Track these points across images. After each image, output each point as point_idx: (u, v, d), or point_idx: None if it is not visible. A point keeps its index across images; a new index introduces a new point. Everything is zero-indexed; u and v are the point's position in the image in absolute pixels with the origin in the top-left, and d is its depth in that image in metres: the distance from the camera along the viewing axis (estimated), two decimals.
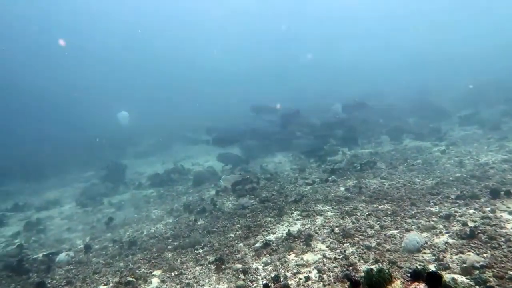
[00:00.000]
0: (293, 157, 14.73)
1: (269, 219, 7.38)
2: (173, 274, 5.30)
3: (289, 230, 6.34)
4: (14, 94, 42.79)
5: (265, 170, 13.09)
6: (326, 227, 6.30)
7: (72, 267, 6.19)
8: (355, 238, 5.57)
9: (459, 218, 5.73)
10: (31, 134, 27.11)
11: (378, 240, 5.33)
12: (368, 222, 6.19)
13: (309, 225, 6.60)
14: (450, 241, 4.95)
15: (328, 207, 7.52)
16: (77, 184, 15.95)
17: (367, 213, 6.70)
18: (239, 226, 7.22)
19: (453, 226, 5.48)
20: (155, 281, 5.17)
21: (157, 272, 5.46)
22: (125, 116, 17.12)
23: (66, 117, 36.94)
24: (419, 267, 4.26)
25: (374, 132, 16.34)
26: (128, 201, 11.25)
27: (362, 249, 5.11)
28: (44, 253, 7.12)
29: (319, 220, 6.80)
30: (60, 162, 19.37)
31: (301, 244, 5.69)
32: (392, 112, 19.87)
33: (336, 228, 6.13)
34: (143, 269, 5.63)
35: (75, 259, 6.61)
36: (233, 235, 6.70)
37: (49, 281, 5.62)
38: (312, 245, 5.55)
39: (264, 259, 5.36)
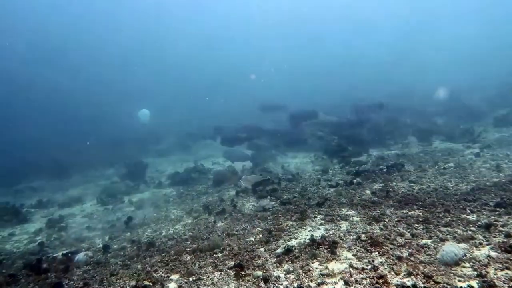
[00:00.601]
0: (315, 158, 14.32)
1: (291, 222, 7.07)
2: (191, 279, 5.08)
3: (312, 235, 6.02)
4: (40, 93, 44.13)
5: (286, 170, 12.76)
6: (352, 234, 5.92)
7: (90, 268, 6.11)
8: (384, 247, 5.17)
9: (501, 229, 5.23)
10: (57, 132, 27.84)
11: (410, 250, 4.92)
12: (398, 229, 5.77)
13: (333, 230, 6.24)
14: (493, 254, 4.48)
15: (353, 212, 7.13)
16: (100, 181, 16.15)
17: (396, 220, 6.27)
18: (260, 229, 6.95)
19: (494, 237, 4.99)
20: (172, 286, 4.97)
21: (175, 277, 5.26)
22: (146, 114, 17.16)
23: (91, 115, 37.76)
24: (459, 283, 3.85)
25: (401, 133, 15.66)
26: (148, 200, 11.21)
27: (393, 260, 4.71)
28: (64, 251, 7.10)
29: (344, 225, 6.43)
30: (85, 159, 19.73)
31: (325, 251, 5.35)
32: (419, 112, 19.08)
33: (363, 235, 5.75)
34: (161, 273, 5.45)
35: (93, 259, 6.53)
36: (253, 239, 6.43)
37: (66, 281, 5.54)
38: (338, 253, 5.20)
39: (286, 266, 5.06)
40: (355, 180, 9.66)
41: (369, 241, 5.46)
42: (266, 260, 5.36)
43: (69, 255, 6.50)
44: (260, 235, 6.58)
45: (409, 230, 5.71)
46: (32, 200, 12.88)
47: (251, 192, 10.28)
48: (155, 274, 5.40)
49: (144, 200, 11.14)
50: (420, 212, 6.52)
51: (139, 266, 5.85)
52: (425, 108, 19.91)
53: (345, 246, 5.45)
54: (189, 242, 6.82)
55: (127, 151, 18.16)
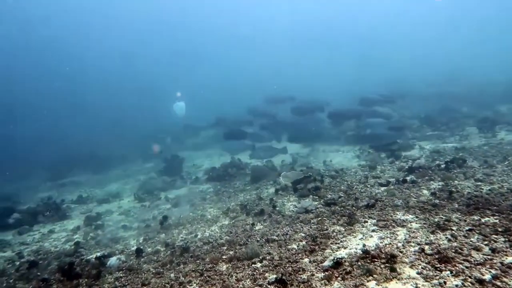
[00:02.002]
0: (360, 152, 13.27)
1: (338, 227, 6.29)
2: None
3: (364, 245, 5.22)
4: (83, 87, 45.95)
5: (329, 166, 11.88)
6: (413, 244, 5.04)
7: (121, 274, 5.76)
8: (457, 264, 4.26)
9: None
10: (100, 126, 28.68)
11: (493, 271, 3.98)
12: (471, 241, 4.80)
13: (389, 239, 5.38)
14: None
15: (410, 216, 6.19)
16: (139, 175, 16.23)
17: (466, 228, 5.28)
18: (303, 235, 6.23)
19: None
20: None
21: None
22: (182, 107, 16.93)
23: (133, 109, 38.69)
24: None
25: (458, 123, 14.11)
26: (184, 197, 10.88)
27: (472, 284, 3.81)
28: (98, 254, 6.87)
29: (401, 233, 5.54)
30: (126, 153, 20.04)
31: (382, 266, 4.53)
32: (476, 99, 17.22)
33: (427, 247, 4.85)
34: (195, 285, 4.93)
35: (126, 264, 6.20)
36: (296, 247, 5.74)
37: None
38: (398, 270, 4.36)
39: (336, 284, 4.32)
40: (408, 178, 8.60)
41: (436, 256, 4.56)
42: (312, 275, 4.65)
43: (102, 259, 6.21)
44: (304, 242, 5.88)
45: (486, 242, 4.72)
46: (73, 195, 13.13)
47: (292, 190, 9.57)
48: (188, 287, 4.90)
49: (181, 197, 10.83)
50: (496, 219, 5.46)
51: (172, 275, 5.39)
52: (482, 95, 17.97)
53: (407, 260, 4.60)
54: (225, 248, 6.27)
55: (165, 145, 18.01)
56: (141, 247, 6.93)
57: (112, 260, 6.14)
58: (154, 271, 5.70)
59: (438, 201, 6.74)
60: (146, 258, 6.40)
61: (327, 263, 4.93)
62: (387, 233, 5.64)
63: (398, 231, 5.65)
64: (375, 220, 6.27)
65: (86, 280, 5.62)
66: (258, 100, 19.83)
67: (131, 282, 5.39)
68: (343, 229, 6.15)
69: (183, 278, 5.21)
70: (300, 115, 17.33)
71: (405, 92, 19.98)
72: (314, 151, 14.86)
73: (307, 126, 17.61)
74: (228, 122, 17.40)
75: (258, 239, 6.43)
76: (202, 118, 20.43)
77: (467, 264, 4.24)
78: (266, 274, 4.89)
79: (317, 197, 8.57)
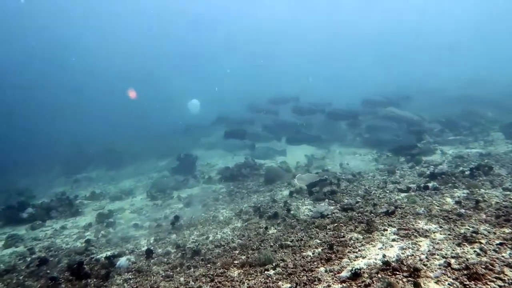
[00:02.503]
0: (377, 155, 12.84)
1: (355, 235, 5.99)
2: None
3: (384, 255, 4.91)
4: (99, 85, 46.52)
5: (345, 169, 11.52)
6: (438, 257, 4.70)
7: (130, 276, 5.61)
8: (488, 283, 3.92)
9: None
10: (115, 122, 28.94)
11: None
12: (503, 257, 4.43)
13: (411, 250, 5.05)
14: None
15: (434, 226, 5.83)
16: (152, 173, 16.20)
17: (497, 242, 4.90)
18: (318, 241, 5.96)
19: None
20: None
21: None
22: (196, 105, 16.78)
23: (148, 106, 38.96)
24: None
25: (483, 128, 13.51)
26: (197, 196, 10.72)
27: None
28: (108, 253, 6.76)
29: (424, 244, 5.20)
30: (140, 150, 20.05)
31: (404, 280, 4.22)
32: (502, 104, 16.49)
33: (454, 261, 4.50)
34: None
35: (135, 265, 6.05)
36: (311, 254, 5.47)
37: None
38: (422, 285, 4.05)
39: None
40: (430, 184, 8.20)
41: (464, 271, 4.22)
42: (329, 286, 4.38)
43: (112, 258, 6.07)
44: (319, 249, 5.60)
45: None
46: (87, 191, 13.16)
47: (307, 193, 9.29)
48: None
49: (193, 197, 10.68)
50: None
51: (182, 279, 5.20)
52: (509, 99, 17.21)
53: (431, 275, 4.27)
54: (237, 252, 6.05)
55: (179, 143, 17.93)
56: (152, 248, 6.78)
57: (122, 261, 6.00)
58: (163, 274, 5.52)
59: (463, 210, 6.34)
60: (156, 259, 6.24)
61: (344, 273, 4.65)
62: (409, 243, 5.30)
63: (421, 241, 5.31)
64: (395, 229, 5.94)
65: (94, 280, 5.49)
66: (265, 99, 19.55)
67: (139, 285, 5.22)
68: (361, 237, 5.84)
69: (193, 283, 5.01)
70: (300, 115, 17.01)
71: (411, 94, 19.40)
72: (330, 153, 14.51)
73: (307, 127, 17.36)
74: (230, 121, 17.09)
75: (272, 244, 6.19)
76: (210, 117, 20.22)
77: (500, 283, 3.89)
78: (280, 283, 4.64)
79: (333, 202, 8.27)
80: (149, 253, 6.36)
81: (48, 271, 6.21)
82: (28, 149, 23.31)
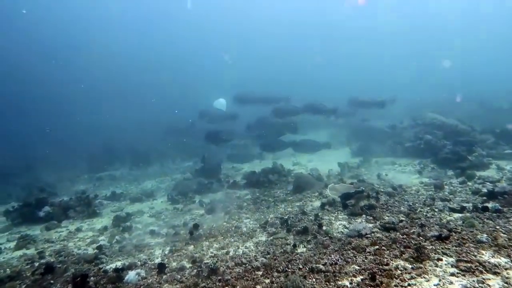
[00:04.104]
0: (421, 167, 11.55)
1: (402, 263, 4.97)
2: None
3: None
4: (128, 84, 47.16)
5: (384, 181, 10.38)
6: None
7: None
8: None
9: None
10: (143, 121, 28.88)
11: None
12: None
13: None
14: None
15: (504, 260, 4.71)
16: (175, 174, 15.72)
17: None
18: (357, 267, 4.99)
19: None
20: None
21: None
22: (223, 104, 16.03)
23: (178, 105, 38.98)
24: None
25: None
26: (220, 202, 9.99)
27: None
28: (119, 263, 6.16)
29: (495, 284, 4.12)
30: (165, 150, 19.66)
31: None
32: None
33: None
34: None
35: (145, 281, 5.34)
36: (348, 284, 4.53)
37: None
38: None
39: None
40: (489, 205, 6.97)
41: None
42: None
43: (121, 272, 5.42)
44: (358, 278, 4.64)
45: None
46: (108, 191, 12.82)
47: (340, 206, 8.30)
48: None
49: (216, 203, 9.95)
50: None
51: None
52: None
53: None
54: (260, 274, 5.19)
55: (204, 144, 17.31)
56: (165, 261, 6.08)
57: (131, 275, 5.33)
58: None
59: None
60: (169, 275, 5.50)
61: None
62: (474, 281, 4.24)
63: (490, 280, 4.24)
64: (453, 259, 4.87)
65: None
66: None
67: None
68: (410, 267, 4.81)
69: None
70: (280, 117, 15.62)
71: (397, 97, 17.50)
72: (366, 162, 13.34)
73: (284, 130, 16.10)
74: (211, 116, 15.70)
75: (301, 266, 5.28)
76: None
77: None
78: None
79: (371, 218, 7.25)
80: (161, 268, 5.64)
81: (52, 281, 5.65)
82: (54, 145, 23.68)
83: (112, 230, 8.44)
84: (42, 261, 6.83)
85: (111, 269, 5.85)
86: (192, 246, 6.80)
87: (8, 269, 6.66)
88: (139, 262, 6.21)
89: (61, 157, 20.73)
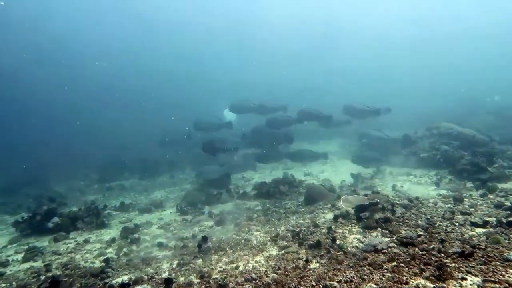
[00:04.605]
0: (437, 178, 11.14)
1: (423, 281, 4.64)
2: None
3: None
4: (142, 93, 47.41)
5: (399, 193, 10.01)
6: None
7: None
8: None
9: None
10: (154, 130, 28.96)
11: None
12: None
13: None
14: None
15: None
16: (185, 184, 15.57)
17: None
18: (374, 286, 4.68)
19: None
20: None
21: None
22: (232, 114, 15.77)
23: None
24: None
25: None
26: (229, 213, 9.75)
27: None
28: (125, 277, 5.95)
29: None
30: (175, 159, 19.52)
31: None
32: None
33: None
34: None
35: None
36: None
37: None
38: None
39: None
40: None
41: None
42: None
43: (127, 287, 5.22)
44: None
45: None
46: (117, 201, 12.71)
47: (354, 219, 7.97)
48: None
49: (225, 214, 9.72)
50: None
51: None
52: None
53: None
54: None
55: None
56: (173, 275, 5.85)
57: None
58: None
59: None
60: None
61: None
62: None
63: None
64: (478, 279, 4.52)
65: None
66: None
67: None
68: (432, 286, 4.49)
69: None
70: (275, 128, 15.04)
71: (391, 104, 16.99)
72: (380, 173, 12.96)
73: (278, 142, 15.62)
74: (205, 126, 15.02)
75: (314, 283, 4.99)
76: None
77: None
78: None
79: (387, 232, 6.91)
80: (168, 283, 5.40)
81: None
82: (65, 155, 23.84)
83: (120, 242, 8.26)
84: (49, 274, 6.68)
85: (117, 283, 5.65)
86: (200, 260, 6.56)
87: (14, 283, 6.52)
88: (145, 277, 5.99)
89: (71, 166, 20.84)
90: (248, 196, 11.80)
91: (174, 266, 6.51)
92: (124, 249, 7.64)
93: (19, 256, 7.90)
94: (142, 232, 9.00)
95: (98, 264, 7.15)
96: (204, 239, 7.34)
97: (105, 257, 7.33)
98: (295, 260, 6.02)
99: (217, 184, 13.04)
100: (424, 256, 5.46)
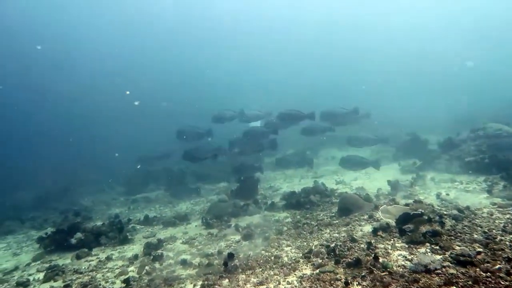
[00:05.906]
0: (488, 185, 9.96)
1: None
2: None
3: None
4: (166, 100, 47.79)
5: (445, 202, 8.97)
6: None
7: None
8: None
9: None
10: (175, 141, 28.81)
11: None
12: None
13: None
14: None
15: None
16: (211, 195, 15.09)
17: None
18: None
19: None
20: None
21: None
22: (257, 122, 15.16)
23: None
24: None
25: None
26: (257, 227, 9.09)
27: None
28: None
29: None
30: (199, 170, 19.09)
31: None
32: None
33: None
34: None
35: None
36: None
37: None
38: None
39: None
40: None
41: None
42: None
43: None
44: None
45: None
46: (142, 214, 12.36)
47: (396, 232, 7.09)
48: None
49: (253, 227, 9.06)
50: None
51: None
52: None
53: None
54: None
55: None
56: None
57: None
58: None
59: None
60: None
61: None
62: None
63: None
64: None
65: None
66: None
67: None
68: None
69: None
70: (254, 140, 13.92)
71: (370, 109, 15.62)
72: (420, 179, 11.87)
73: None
74: (186, 133, 14.05)
75: None
76: None
77: None
78: None
79: (438, 248, 5.99)
80: None
81: None
82: (91, 167, 24.09)
83: (143, 259, 7.77)
84: None
85: None
86: (226, 280, 5.92)
87: None
88: None
89: (98, 179, 20.97)
90: (276, 207, 11.11)
91: (198, 287, 5.91)
92: (147, 267, 7.13)
93: (41, 275, 7.59)
94: (166, 248, 8.48)
95: (118, 284, 6.67)
96: (230, 256, 6.71)
97: (126, 276, 6.86)
98: (332, 282, 5.26)
99: (244, 195, 12.44)
100: (490, 280, 4.56)
